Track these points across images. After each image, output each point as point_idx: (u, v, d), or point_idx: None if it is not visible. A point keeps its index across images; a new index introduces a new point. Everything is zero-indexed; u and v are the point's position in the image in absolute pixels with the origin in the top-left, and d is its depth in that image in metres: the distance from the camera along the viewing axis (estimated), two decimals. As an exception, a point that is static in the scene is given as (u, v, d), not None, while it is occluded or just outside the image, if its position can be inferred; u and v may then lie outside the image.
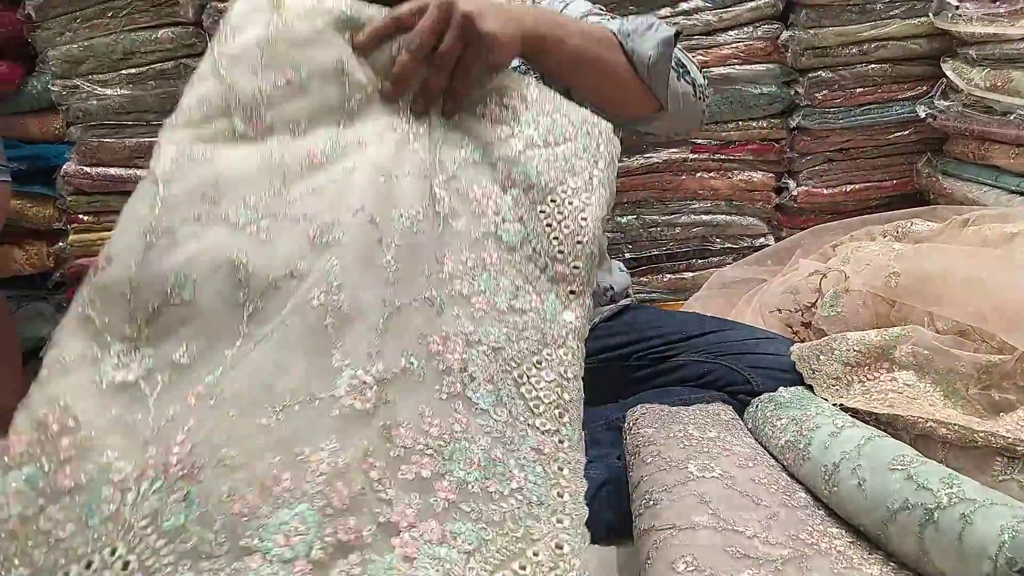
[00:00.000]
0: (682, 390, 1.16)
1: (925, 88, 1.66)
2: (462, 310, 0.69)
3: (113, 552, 0.51)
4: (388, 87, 0.73)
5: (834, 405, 1.01)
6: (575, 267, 0.75)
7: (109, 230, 1.92)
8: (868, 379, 1.04)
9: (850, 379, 1.04)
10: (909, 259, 1.13)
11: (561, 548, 0.62)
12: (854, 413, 0.98)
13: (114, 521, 0.52)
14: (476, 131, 0.77)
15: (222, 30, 0.68)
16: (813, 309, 1.20)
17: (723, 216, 1.73)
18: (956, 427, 0.89)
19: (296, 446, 0.56)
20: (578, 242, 0.74)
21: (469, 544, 0.58)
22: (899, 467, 0.81)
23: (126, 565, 0.51)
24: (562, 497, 0.66)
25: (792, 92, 1.69)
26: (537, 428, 0.68)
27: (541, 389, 0.70)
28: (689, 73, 0.97)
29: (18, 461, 0.52)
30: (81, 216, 1.69)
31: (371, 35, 0.72)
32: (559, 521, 0.64)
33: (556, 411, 0.70)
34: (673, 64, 0.91)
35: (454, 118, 0.76)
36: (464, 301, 0.70)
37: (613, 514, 1.00)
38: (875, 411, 0.97)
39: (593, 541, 0.99)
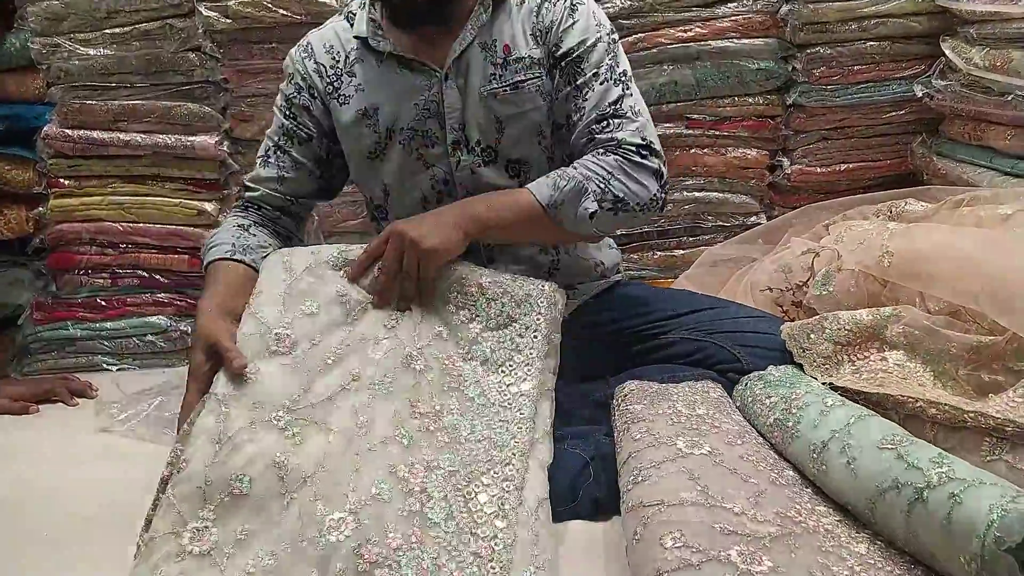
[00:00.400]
0: (672, 367, 1.14)
1: (923, 67, 1.65)
2: (427, 442, 0.92)
3: None
4: (377, 300, 1.02)
5: (824, 384, 1.00)
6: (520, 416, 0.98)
7: (90, 195, 1.86)
8: (858, 358, 1.04)
9: (840, 358, 1.03)
10: (902, 238, 1.11)
11: None
12: (843, 392, 0.98)
13: None
14: (444, 316, 1.04)
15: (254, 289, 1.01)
16: (804, 288, 1.19)
17: (716, 193, 1.71)
18: (946, 407, 0.88)
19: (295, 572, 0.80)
20: (520, 412, 0.98)
21: None
22: (889, 446, 0.81)
23: None
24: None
25: (790, 68, 1.67)
26: (478, 536, 0.85)
27: (484, 503, 0.88)
28: (628, 203, 1.07)
29: None
30: (62, 180, 1.65)
31: (357, 267, 1.03)
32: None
33: (496, 520, 0.87)
34: (607, 207, 1.07)
35: (429, 307, 1.04)
36: (430, 435, 0.93)
37: (599, 491, 1.00)
38: (865, 390, 0.96)
39: (579, 517, 1.00)
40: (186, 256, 1.67)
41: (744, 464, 0.89)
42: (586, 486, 1.00)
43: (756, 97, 1.69)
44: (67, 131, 1.63)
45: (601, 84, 1.10)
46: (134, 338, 1.66)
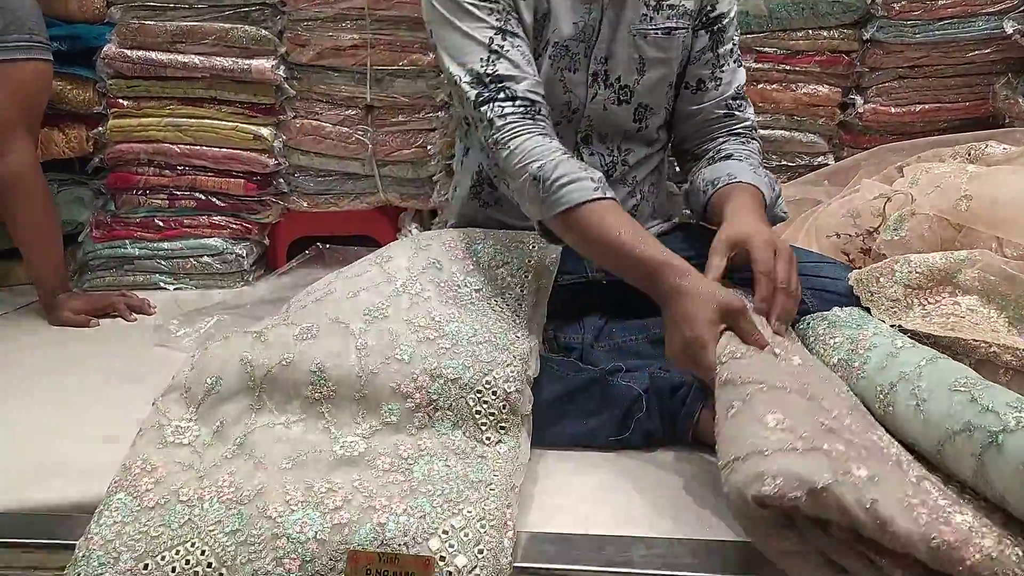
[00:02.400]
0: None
1: (1016, 2, 1.54)
2: (429, 351, 0.95)
3: (192, 545, 0.80)
4: (777, 325, 0.92)
5: (892, 327, 0.97)
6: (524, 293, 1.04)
7: (148, 116, 1.88)
8: (929, 302, 0.99)
9: (910, 302, 0.99)
10: (982, 182, 1.06)
11: (488, 506, 0.81)
12: (912, 336, 0.94)
13: (189, 526, 0.81)
14: (438, 253, 1.10)
15: None
16: (874, 234, 1.14)
17: (782, 131, 1.64)
18: (1021, 352, 0.85)
19: (305, 478, 0.85)
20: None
21: (421, 511, 0.80)
22: (962, 388, 0.77)
23: (203, 552, 0.79)
24: (496, 475, 0.86)
25: (868, 1, 1.58)
26: (483, 441, 0.91)
27: (487, 408, 0.92)
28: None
29: (114, 490, 0.86)
30: (121, 100, 1.65)
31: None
32: (490, 488, 0.84)
33: (498, 425, 0.92)
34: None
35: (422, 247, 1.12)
36: (432, 343, 0.96)
37: (652, 424, 0.99)
38: (935, 334, 0.92)
39: (630, 447, 1.00)
40: (242, 180, 1.68)
41: (834, 381, 0.87)
42: (638, 418, 0.99)
43: (831, 31, 1.60)
44: (126, 51, 1.63)
45: (734, 61, 1.18)
46: (191, 259, 1.68)
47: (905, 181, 1.15)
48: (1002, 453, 0.70)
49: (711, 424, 0.95)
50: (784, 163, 1.66)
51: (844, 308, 1.01)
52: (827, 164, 1.61)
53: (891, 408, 0.83)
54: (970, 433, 0.73)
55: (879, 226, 1.13)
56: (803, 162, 1.65)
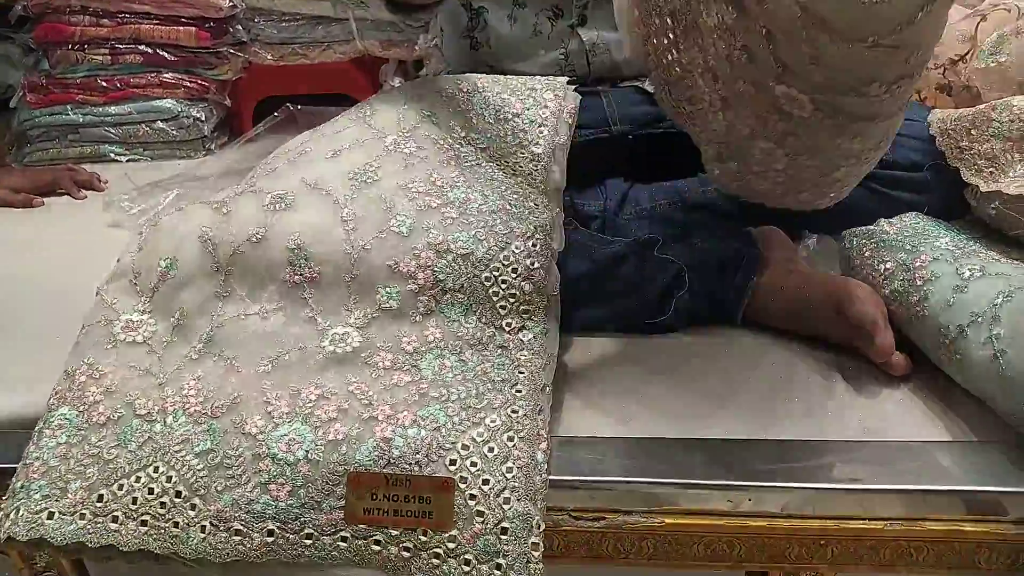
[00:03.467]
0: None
1: None
2: (432, 222, 0.76)
3: (156, 470, 0.66)
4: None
5: (983, 193, 0.80)
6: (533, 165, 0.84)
7: None
8: None
9: (1010, 157, 0.81)
10: None
11: (516, 412, 0.67)
12: (1009, 203, 0.77)
13: (150, 446, 0.67)
14: (430, 103, 0.89)
15: None
16: (959, 65, 0.95)
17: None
18: None
19: (290, 383, 0.70)
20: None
21: (435, 422, 0.66)
22: None
23: (169, 479, 0.66)
24: (522, 373, 0.71)
25: None
26: (503, 328, 0.74)
27: (507, 288, 0.74)
28: None
29: (55, 404, 0.71)
30: (39, -69, 1.39)
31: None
32: (516, 389, 0.69)
33: (521, 309, 0.75)
34: None
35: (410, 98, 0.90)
36: (435, 212, 0.77)
37: (696, 302, 0.84)
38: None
39: (671, 330, 0.86)
40: (193, 28, 1.44)
41: None
42: (680, 297, 0.84)
43: None
44: None
45: None
46: (142, 124, 1.46)
47: (1006, -6, 0.94)
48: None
49: (768, 300, 0.81)
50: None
51: (892, 220, 0.84)
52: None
53: (959, 356, 0.68)
54: None
55: (967, 53, 0.93)
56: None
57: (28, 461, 0.67)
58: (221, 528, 0.64)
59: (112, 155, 1.48)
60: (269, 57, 1.53)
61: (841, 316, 0.77)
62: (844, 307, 0.76)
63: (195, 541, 0.64)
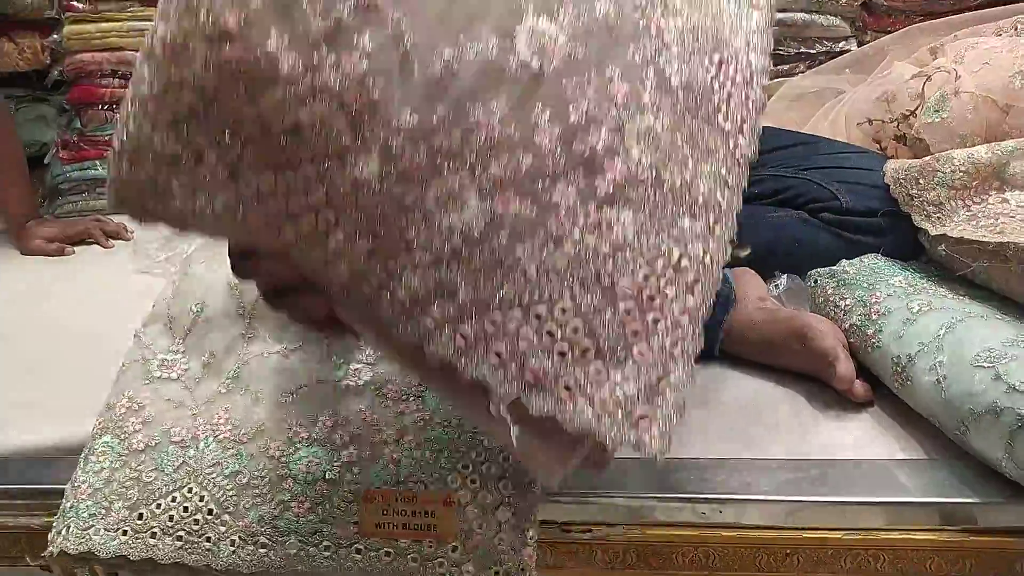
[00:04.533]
0: (754, 208, 1.03)
1: None
2: None
3: (190, 490, 0.74)
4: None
5: (933, 236, 0.89)
6: None
7: (108, 20, 1.68)
8: (974, 202, 0.91)
9: (954, 204, 0.90)
10: None
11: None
12: (956, 244, 0.86)
13: (184, 469, 0.75)
14: None
15: None
16: (911, 119, 1.05)
17: (801, 15, 1.50)
18: (1086, 252, 0.77)
19: (308, 412, 0.78)
20: None
21: (439, 444, 0.75)
22: (986, 364, 0.71)
23: (202, 498, 0.73)
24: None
25: None
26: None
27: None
28: None
29: (99, 433, 0.79)
30: (75, 3, 1.50)
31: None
32: None
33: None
34: None
35: None
36: None
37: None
38: (982, 240, 0.85)
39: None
40: (214, 89, 1.54)
41: None
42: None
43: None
44: (75, -54, 1.46)
45: None
46: (166, 178, 1.57)
47: (948, 59, 1.04)
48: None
49: (740, 334, 0.89)
50: (803, 50, 1.52)
51: (852, 261, 0.93)
52: (849, 50, 1.48)
53: (909, 383, 0.77)
54: (997, 415, 0.67)
55: (916, 108, 1.02)
56: (823, 48, 1.52)
57: (76, 484, 0.75)
58: (249, 542, 0.72)
59: (137, 206, 1.57)
60: (284, 115, 1.63)
61: (805, 348, 0.85)
62: (807, 340, 0.84)
63: (225, 554, 0.72)
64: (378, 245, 0.49)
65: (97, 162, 1.56)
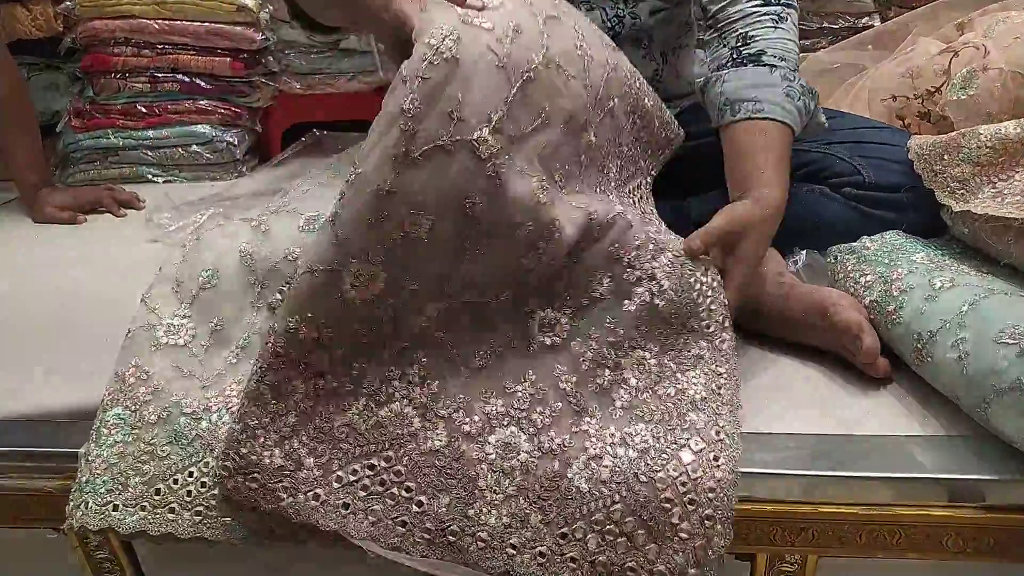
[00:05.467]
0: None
1: None
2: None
3: (207, 464, 0.73)
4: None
5: (956, 213, 0.87)
6: None
7: None
8: (1000, 179, 0.89)
9: (979, 181, 0.88)
10: None
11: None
12: (981, 221, 0.84)
13: (199, 442, 0.74)
14: None
15: None
16: (936, 95, 1.03)
17: (824, -11, 1.49)
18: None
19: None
20: None
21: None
22: (1010, 340, 0.70)
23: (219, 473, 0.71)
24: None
25: None
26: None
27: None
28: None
29: (109, 404, 0.78)
30: (87, -30, 1.49)
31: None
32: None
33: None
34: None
35: None
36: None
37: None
38: (1008, 216, 0.83)
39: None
40: (228, 58, 1.53)
41: None
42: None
43: None
44: (88, -89, 1.45)
45: None
46: (178, 148, 1.56)
47: (977, 33, 1.02)
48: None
49: (759, 310, 0.88)
50: (826, 25, 1.50)
51: (873, 237, 0.91)
52: (873, 26, 1.46)
53: (930, 359, 0.76)
54: (1020, 392, 0.66)
55: (942, 85, 1.00)
56: (846, 24, 1.50)
57: (90, 458, 0.75)
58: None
59: (149, 176, 1.57)
60: (298, 86, 1.63)
61: (826, 323, 0.83)
62: (828, 315, 0.83)
63: (244, 528, 0.71)
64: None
65: (110, 131, 1.56)
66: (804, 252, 0.96)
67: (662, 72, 1.12)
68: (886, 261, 0.87)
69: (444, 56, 0.64)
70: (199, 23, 1.51)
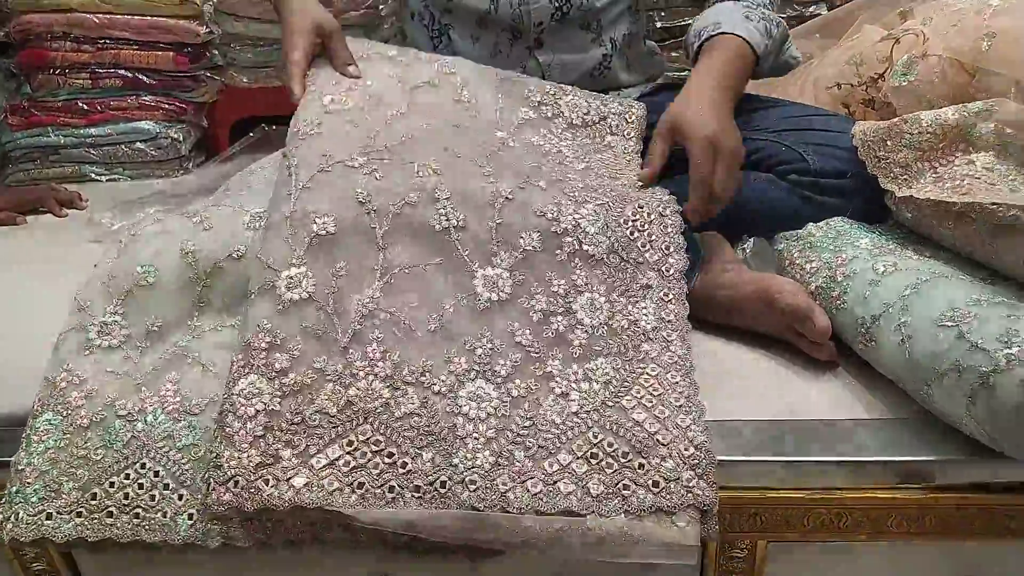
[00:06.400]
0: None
1: None
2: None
3: (143, 466, 0.72)
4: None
5: (899, 198, 0.88)
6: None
7: None
8: (941, 164, 0.90)
9: (921, 166, 0.89)
10: (1009, 16, 0.94)
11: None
12: (924, 205, 0.85)
13: (134, 444, 0.73)
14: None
15: None
16: (879, 82, 1.04)
17: (771, -22, 1.49)
18: (1044, 213, 0.77)
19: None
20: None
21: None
22: (949, 323, 0.71)
23: (157, 473, 0.72)
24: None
25: None
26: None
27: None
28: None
29: (39, 410, 0.75)
30: (21, -38, 1.45)
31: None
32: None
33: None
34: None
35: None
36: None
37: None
38: (948, 200, 0.84)
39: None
40: (171, 53, 1.50)
41: None
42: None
43: None
44: (19, -100, 1.40)
45: None
46: (122, 145, 1.52)
47: (917, 20, 1.03)
48: (995, 395, 0.65)
49: (707, 298, 0.89)
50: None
51: (818, 224, 0.92)
52: (820, 14, 1.47)
53: (873, 343, 0.77)
54: (959, 374, 0.68)
55: (885, 72, 1.01)
56: (793, 12, 1.52)
57: (20, 467, 0.72)
58: (207, 515, 0.69)
59: (93, 175, 1.53)
60: (244, 80, 1.60)
61: (771, 309, 0.84)
62: (774, 301, 0.84)
63: (183, 528, 0.70)
64: None
65: (50, 128, 1.52)
66: (752, 239, 0.97)
67: (611, 59, 1.12)
68: (831, 247, 0.88)
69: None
70: (141, 17, 1.48)
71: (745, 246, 0.96)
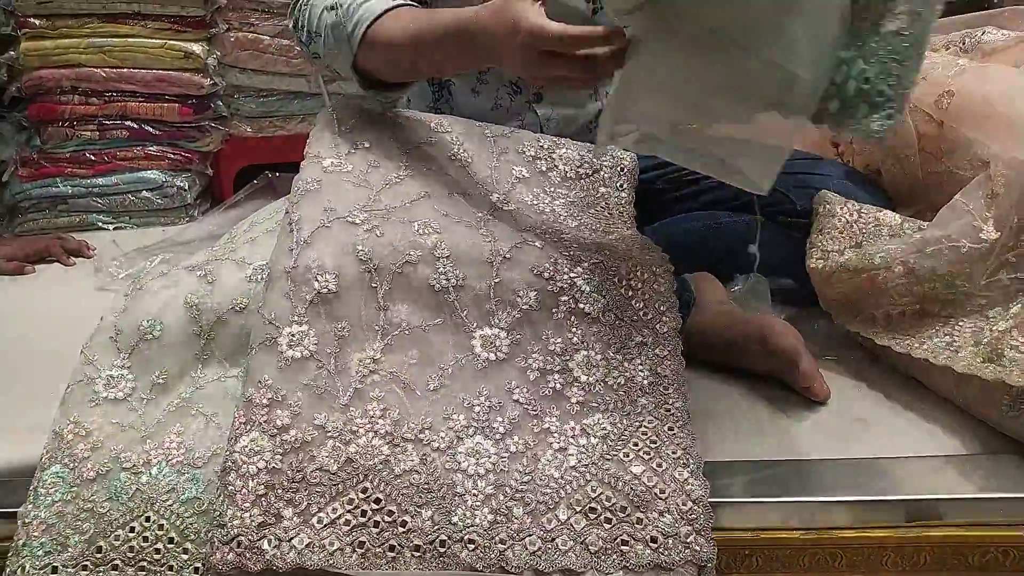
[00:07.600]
0: (712, 214, 1.05)
1: None
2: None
3: (148, 519, 0.73)
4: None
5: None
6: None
7: (66, 37, 1.68)
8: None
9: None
10: (971, 77, 0.97)
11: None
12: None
13: (139, 497, 0.74)
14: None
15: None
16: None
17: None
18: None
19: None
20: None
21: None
22: None
23: (161, 526, 0.73)
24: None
25: None
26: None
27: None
28: None
29: (47, 463, 0.77)
30: (31, 19, 1.49)
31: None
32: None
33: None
34: None
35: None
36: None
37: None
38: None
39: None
40: (176, 104, 1.54)
41: None
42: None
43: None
44: (32, -37, 1.46)
45: None
46: (128, 194, 1.56)
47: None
48: None
49: (700, 338, 0.90)
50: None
51: None
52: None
53: None
54: None
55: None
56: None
57: (27, 520, 0.73)
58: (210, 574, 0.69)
59: (99, 223, 1.56)
60: (248, 129, 1.63)
61: (765, 350, 0.86)
62: (766, 341, 0.85)
63: None
64: None
65: (58, 179, 1.56)
66: (743, 278, 0.99)
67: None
68: None
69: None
70: (146, 70, 1.52)
71: (738, 285, 0.98)
